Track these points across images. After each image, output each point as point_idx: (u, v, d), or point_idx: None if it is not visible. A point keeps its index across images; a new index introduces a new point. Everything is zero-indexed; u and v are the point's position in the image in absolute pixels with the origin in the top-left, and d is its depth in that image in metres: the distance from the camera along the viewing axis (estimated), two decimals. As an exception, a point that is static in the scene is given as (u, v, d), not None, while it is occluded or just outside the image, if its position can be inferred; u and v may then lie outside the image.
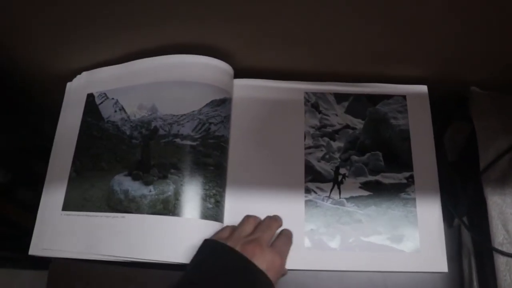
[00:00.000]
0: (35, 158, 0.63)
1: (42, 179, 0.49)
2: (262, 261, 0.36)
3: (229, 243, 0.37)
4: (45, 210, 0.47)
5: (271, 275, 0.35)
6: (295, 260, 0.44)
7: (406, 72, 0.51)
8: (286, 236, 0.41)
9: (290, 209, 0.47)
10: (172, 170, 0.45)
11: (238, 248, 0.36)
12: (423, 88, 0.51)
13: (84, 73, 0.52)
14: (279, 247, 0.39)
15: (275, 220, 0.42)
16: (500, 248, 0.42)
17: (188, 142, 0.46)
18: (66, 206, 0.46)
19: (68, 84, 0.53)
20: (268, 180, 0.48)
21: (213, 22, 0.45)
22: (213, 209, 0.44)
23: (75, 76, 0.53)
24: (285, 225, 0.45)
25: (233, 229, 0.40)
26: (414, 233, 0.46)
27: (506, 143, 0.45)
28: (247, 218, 0.41)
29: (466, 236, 0.46)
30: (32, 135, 0.63)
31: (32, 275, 0.66)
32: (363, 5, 0.40)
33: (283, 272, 0.39)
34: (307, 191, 0.47)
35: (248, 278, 0.35)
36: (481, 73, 0.50)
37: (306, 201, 0.47)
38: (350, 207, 0.47)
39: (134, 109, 0.49)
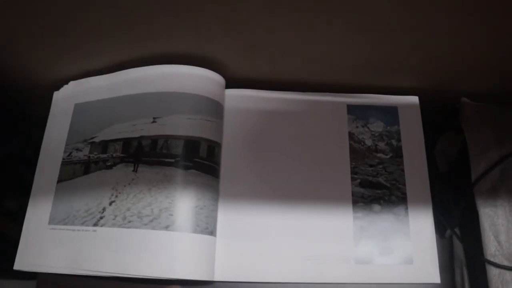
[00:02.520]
0: (23, 167, 0.61)
1: (30, 189, 0.48)
2: None
3: None
4: (30, 224, 0.46)
5: None
6: (289, 273, 0.44)
7: (397, 83, 0.51)
8: None
9: (281, 220, 0.46)
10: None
11: None
12: (414, 99, 0.51)
13: (71, 83, 0.51)
14: None
15: None
16: (492, 259, 0.42)
17: (180, 154, 0.45)
18: (53, 220, 0.45)
19: (55, 94, 0.52)
20: (261, 191, 0.47)
21: (204, 33, 0.44)
22: (205, 222, 0.43)
23: (62, 86, 0.52)
24: (276, 238, 0.45)
25: None
26: (406, 244, 0.46)
27: (497, 154, 0.46)
28: None
29: (458, 247, 0.47)
30: (20, 144, 0.62)
31: (19, 286, 0.64)
32: (355, 18, 0.40)
33: None
34: (300, 202, 0.47)
35: None
36: (472, 83, 0.50)
37: (298, 213, 0.47)
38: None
39: (124, 120, 0.48)
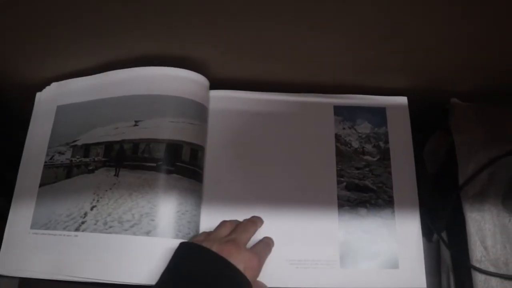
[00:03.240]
0: (7, 167, 0.61)
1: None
2: (239, 261, 0.36)
3: (205, 244, 0.37)
4: (12, 228, 0.45)
5: (248, 275, 0.35)
6: (274, 277, 0.44)
7: (386, 83, 0.50)
8: (266, 243, 0.42)
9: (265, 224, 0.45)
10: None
11: (214, 248, 0.36)
12: (403, 100, 0.50)
13: (54, 84, 0.50)
14: (257, 250, 0.40)
15: (252, 222, 0.42)
16: (478, 265, 0.42)
17: (162, 158, 0.44)
18: (35, 224, 0.45)
19: (38, 95, 0.51)
20: (245, 195, 0.47)
21: (188, 33, 0.43)
22: (187, 227, 0.43)
23: (44, 87, 0.51)
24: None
25: (208, 233, 0.40)
26: (392, 248, 0.45)
27: (486, 157, 0.45)
28: (223, 222, 0.41)
29: (445, 251, 0.46)
30: (4, 144, 0.61)
31: (5, 283, 0.64)
32: (344, 18, 0.39)
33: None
34: (285, 206, 0.46)
35: (225, 277, 0.34)
36: (463, 84, 0.49)
37: (284, 217, 0.46)
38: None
39: (106, 122, 0.47)
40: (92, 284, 0.42)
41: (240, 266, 0.35)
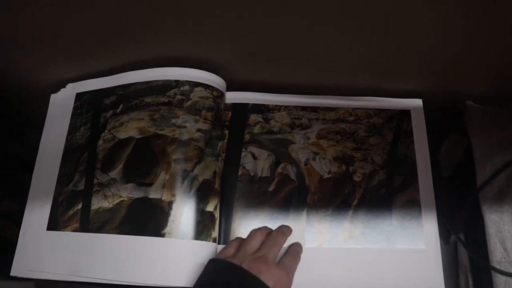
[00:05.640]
0: (21, 169, 0.61)
1: (28, 191, 0.47)
2: (269, 278, 0.36)
3: (235, 261, 0.37)
4: (28, 228, 0.45)
5: None
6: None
7: (401, 85, 0.50)
8: (294, 252, 0.42)
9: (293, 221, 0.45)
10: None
11: (244, 265, 0.36)
12: (418, 102, 0.50)
13: (70, 85, 0.50)
14: (286, 264, 0.39)
15: (282, 233, 0.42)
16: (498, 266, 0.42)
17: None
18: (51, 225, 0.44)
19: (53, 96, 0.51)
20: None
21: (205, 36, 0.43)
22: (207, 228, 0.42)
23: (59, 88, 0.51)
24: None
25: (239, 244, 0.40)
26: (410, 250, 0.45)
27: (503, 159, 0.45)
28: (254, 232, 0.41)
29: (463, 253, 0.46)
30: (17, 146, 0.61)
31: (18, 287, 0.64)
32: (359, 20, 0.40)
33: None
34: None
35: None
36: (477, 87, 0.50)
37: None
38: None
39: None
40: (110, 285, 0.42)
41: (270, 283, 0.35)
